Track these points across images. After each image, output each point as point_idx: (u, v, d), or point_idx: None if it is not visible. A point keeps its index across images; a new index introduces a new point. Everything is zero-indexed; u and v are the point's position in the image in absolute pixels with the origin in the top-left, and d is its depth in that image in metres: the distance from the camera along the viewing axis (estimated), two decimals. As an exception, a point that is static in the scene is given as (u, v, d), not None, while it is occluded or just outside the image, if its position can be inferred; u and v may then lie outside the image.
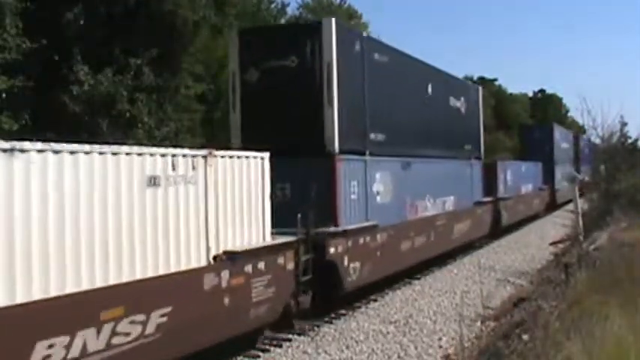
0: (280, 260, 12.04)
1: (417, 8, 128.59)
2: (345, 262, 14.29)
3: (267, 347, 12.10)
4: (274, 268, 11.76)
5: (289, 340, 12.58)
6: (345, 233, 14.29)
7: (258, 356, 11.74)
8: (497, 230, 27.95)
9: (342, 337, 12.85)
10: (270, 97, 14.58)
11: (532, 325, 10.40)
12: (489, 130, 47.68)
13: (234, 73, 15.03)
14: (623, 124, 36.36)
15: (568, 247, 23.18)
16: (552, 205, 42.35)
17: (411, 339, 12.82)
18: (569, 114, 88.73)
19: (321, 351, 11.99)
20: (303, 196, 13.70)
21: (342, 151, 14.46)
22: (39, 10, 19.04)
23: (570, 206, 30.87)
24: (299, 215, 12.66)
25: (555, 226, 32.67)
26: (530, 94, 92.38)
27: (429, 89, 20.47)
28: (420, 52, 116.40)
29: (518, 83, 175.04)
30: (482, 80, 75.89)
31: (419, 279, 18.91)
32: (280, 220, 12.25)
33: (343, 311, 14.79)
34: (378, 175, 16.23)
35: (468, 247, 24.18)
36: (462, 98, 24.29)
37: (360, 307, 15.32)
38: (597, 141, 42.65)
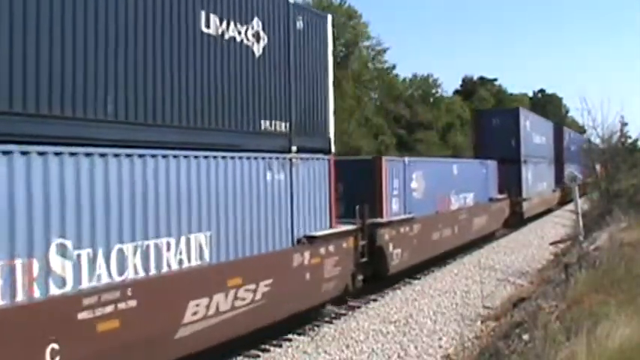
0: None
1: (418, 8, 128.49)
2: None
3: (267, 347, 12.11)
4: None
5: (289, 340, 12.59)
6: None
7: (258, 356, 11.75)
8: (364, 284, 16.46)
9: (342, 337, 12.86)
10: None
11: (532, 325, 10.39)
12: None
13: None
14: (623, 124, 36.32)
15: (568, 247, 23.19)
16: (516, 220, 31.33)
17: (411, 339, 12.82)
18: (569, 114, 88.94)
19: (321, 351, 12.00)
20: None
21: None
22: None
23: (570, 206, 30.88)
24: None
25: (555, 226, 32.67)
26: (530, 94, 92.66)
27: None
28: (420, 51, 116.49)
29: (518, 83, 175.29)
30: (482, 80, 76.22)
31: (419, 279, 18.92)
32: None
33: (343, 311, 14.81)
34: None
35: (466, 248, 24.18)
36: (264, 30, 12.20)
37: (360, 307, 15.34)
38: (597, 141, 38.62)
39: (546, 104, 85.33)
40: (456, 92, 72.44)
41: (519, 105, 60.30)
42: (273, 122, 12.13)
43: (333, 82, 14.99)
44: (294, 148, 12.65)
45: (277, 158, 12.11)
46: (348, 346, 12.29)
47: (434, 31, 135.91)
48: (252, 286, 11.09)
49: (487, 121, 34.21)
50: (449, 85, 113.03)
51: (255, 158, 11.49)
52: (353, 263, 14.85)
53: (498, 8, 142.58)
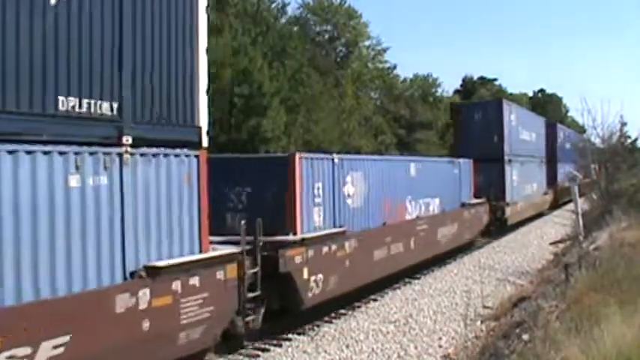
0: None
1: (418, 8, 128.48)
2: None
3: (267, 347, 12.10)
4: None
5: (289, 339, 12.59)
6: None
7: (258, 356, 11.75)
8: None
9: (342, 337, 12.86)
10: None
11: (532, 325, 10.39)
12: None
13: None
14: (623, 124, 36.27)
15: (568, 247, 23.18)
16: (498, 228, 27.96)
17: (411, 339, 12.82)
18: (569, 114, 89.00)
19: (321, 350, 12.00)
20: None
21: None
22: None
23: (569, 206, 30.87)
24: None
25: (555, 226, 32.67)
26: (531, 94, 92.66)
27: None
28: (420, 51, 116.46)
29: (518, 83, 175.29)
30: (482, 80, 76.21)
31: (419, 279, 18.92)
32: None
33: (343, 311, 14.81)
34: None
35: (466, 248, 24.17)
36: None
37: (360, 307, 15.34)
38: (597, 141, 36.93)
39: (546, 104, 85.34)
40: (456, 92, 72.42)
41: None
42: (86, 101, 8.33)
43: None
44: (126, 139, 8.91)
45: (94, 153, 8.39)
46: (348, 346, 12.29)
47: (434, 31, 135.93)
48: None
49: (467, 116, 30.25)
50: (449, 85, 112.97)
51: (47, 153, 7.73)
52: (235, 300, 10.82)
53: (498, 8, 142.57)
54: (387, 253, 16.75)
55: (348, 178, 15.08)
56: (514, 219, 29.58)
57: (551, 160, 40.90)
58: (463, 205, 23.34)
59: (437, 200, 20.74)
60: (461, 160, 23.90)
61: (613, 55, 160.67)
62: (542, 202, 37.34)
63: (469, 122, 29.57)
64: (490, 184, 27.10)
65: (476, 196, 25.33)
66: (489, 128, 28.88)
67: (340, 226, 14.51)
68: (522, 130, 33.10)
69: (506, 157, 28.95)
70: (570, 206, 29.18)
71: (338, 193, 14.57)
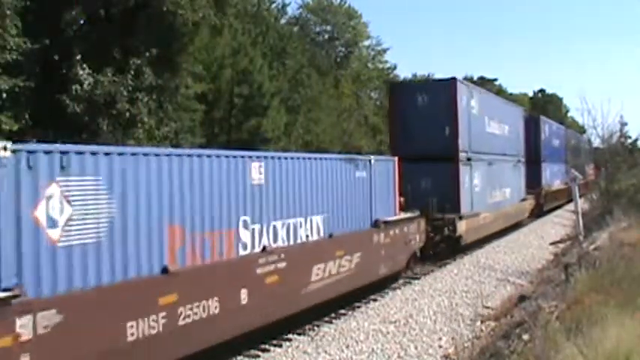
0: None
1: (418, 8, 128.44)
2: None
3: (267, 347, 12.11)
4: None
5: (289, 339, 12.59)
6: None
7: (258, 356, 11.75)
8: None
9: (342, 337, 12.86)
10: None
11: (532, 325, 10.39)
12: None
13: None
14: (623, 124, 36.30)
15: (568, 247, 23.19)
16: (445, 250, 21.54)
17: (411, 339, 12.82)
18: (569, 114, 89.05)
19: (321, 351, 12.00)
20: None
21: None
22: (39, 10, 19.07)
23: (570, 206, 30.88)
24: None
25: (555, 226, 32.66)
26: (531, 94, 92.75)
27: None
28: (421, 51, 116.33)
29: (518, 83, 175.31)
30: (482, 80, 76.26)
31: (419, 279, 18.91)
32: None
33: (343, 311, 14.81)
34: None
35: (466, 248, 24.16)
36: None
37: (360, 307, 15.34)
38: (597, 141, 37.04)
39: (546, 104, 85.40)
40: (456, 92, 72.28)
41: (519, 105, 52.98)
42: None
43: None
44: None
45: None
46: (348, 346, 12.29)
47: (434, 31, 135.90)
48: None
49: (408, 99, 22.22)
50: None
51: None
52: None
53: (499, 8, 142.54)
54: (170, 327, 9.37)
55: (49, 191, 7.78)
56: (472, 236, 22.84)
57: (534, 160, 34.46)
58: (376, 224, 16.23)
59: (318, 220, 13.73)
60: (374, 159, 16.71)
61: (613, 55, 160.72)
62: (518, 210, 30.55)
63: (410, 108, 21.89)
64: (438, 191, 20.99)
65: (406, 209, 18.63)
66: (438, 117, 21.50)
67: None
68: (489, 122, 25.90)
69: (461, 156, 21.97)
70: (569, 207, 29.22)
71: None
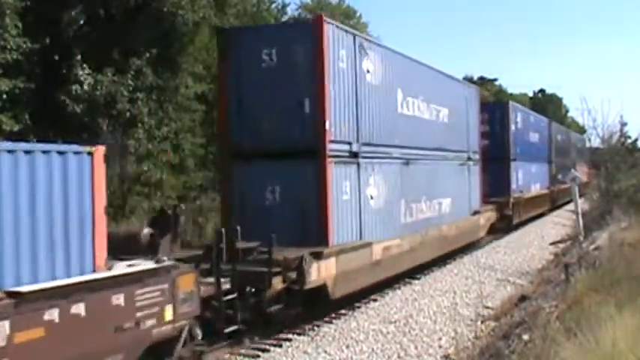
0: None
1: (418, 8, 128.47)
2: None
3: (267, 347, 12.10)
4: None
5: (289, 339, 12.59)
6: None
7: (258, 356, 11.74)
8: None
9: (342, 337, 12.85)
10: None
11: (532, 325, 10.40)
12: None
13: None
14: (623, 124, 36.29)
15: (568, 247, 23.20)
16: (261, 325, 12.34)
17: (411, 339, 12.82)
18: (569, 114, 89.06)
19: (321, 351, 11.99)
20: None
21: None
22: (39, 10, 19.08)
23: (569, 206, 30.86)
24: None
25: (555, 226, 32.67)
26: (531, 94, 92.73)
27: None
28: (421, 51, 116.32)
29: (519, 83, 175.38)
30: (482, 80, 76.20)
31: (419, 279, 18.91)
32: None
33: (343, 311, 14.80)
34: None
35: (465, 249, 24.18)
36: None
37: (360, 307, 15.33)
38: (597, 141, 36.00)
39: (546, 104, 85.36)
40: (456, 92, 72.22)
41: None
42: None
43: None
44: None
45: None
46: (348, 346, 12.29)
47: (434, 31, 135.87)
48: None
49: (248, 56, 13.70)
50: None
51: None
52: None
53: (499, 8, 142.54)
54: None
55: None
56: (351, 286, 14.05)
57: (500, 159, 27.67)
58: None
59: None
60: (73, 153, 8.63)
61: (613, 55, 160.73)
62: (465, 229, 22.72)
63: (251, 71, 13.73)
64: (292, 210, 13.22)
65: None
66: (294, 84, 13.45)
67: None
68: (406, 99, 17.48)
69: (333, 148, 13.48)
70: (569, 206, 29.17)
71: None
